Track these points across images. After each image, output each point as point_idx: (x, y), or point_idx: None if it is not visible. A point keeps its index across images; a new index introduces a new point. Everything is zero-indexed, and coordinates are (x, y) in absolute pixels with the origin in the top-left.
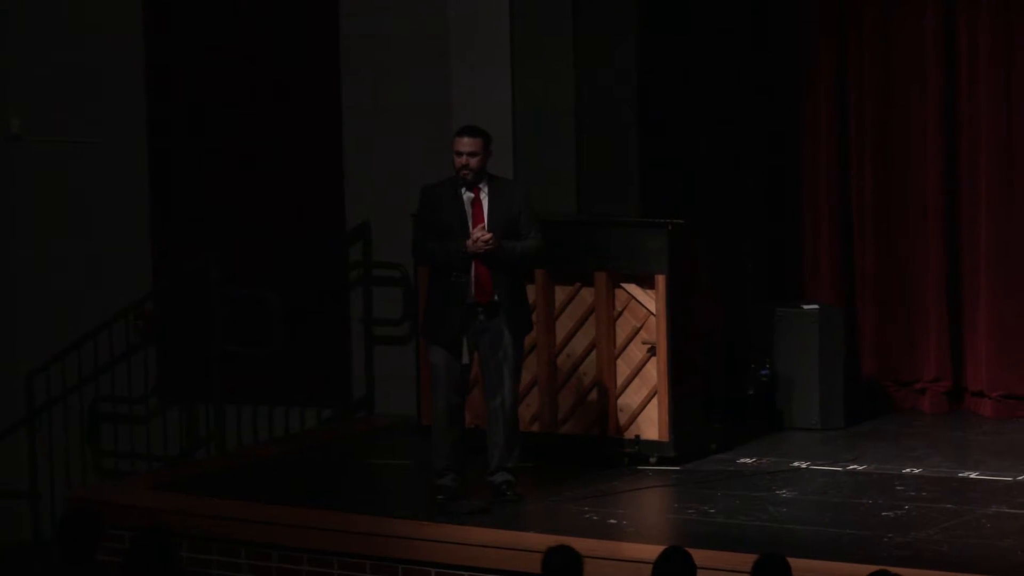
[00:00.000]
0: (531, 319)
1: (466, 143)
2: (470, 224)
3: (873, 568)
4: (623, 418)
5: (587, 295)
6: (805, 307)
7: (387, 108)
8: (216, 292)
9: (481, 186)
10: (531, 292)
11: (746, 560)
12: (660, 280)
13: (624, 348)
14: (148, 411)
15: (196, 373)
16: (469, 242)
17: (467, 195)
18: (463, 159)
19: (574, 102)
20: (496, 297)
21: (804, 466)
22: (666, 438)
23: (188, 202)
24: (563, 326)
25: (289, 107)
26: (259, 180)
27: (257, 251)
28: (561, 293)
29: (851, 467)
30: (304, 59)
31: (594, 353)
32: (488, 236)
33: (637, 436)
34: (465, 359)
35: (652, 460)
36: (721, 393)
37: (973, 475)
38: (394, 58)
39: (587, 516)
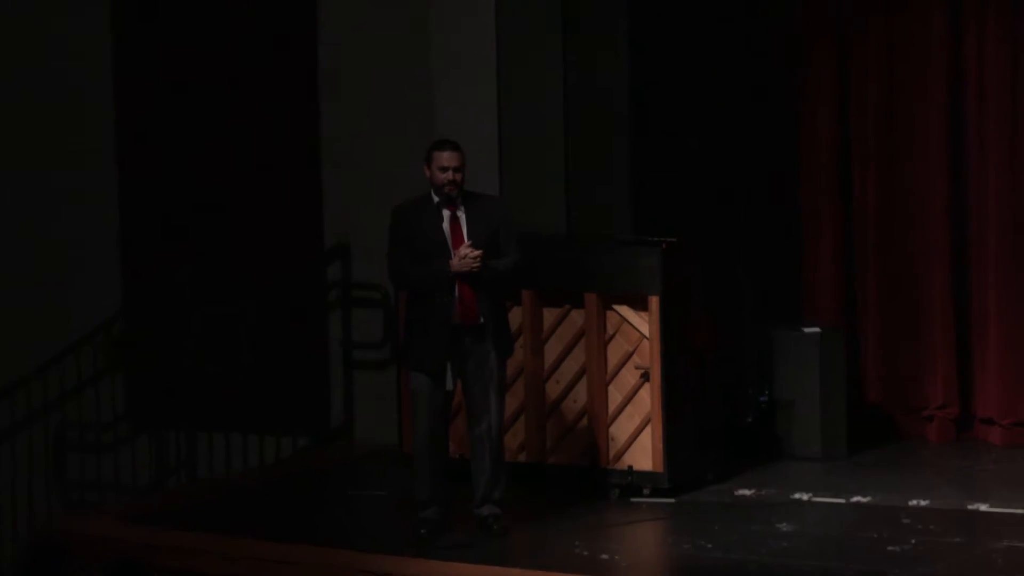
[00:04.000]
0: (513, 342)
1: (451, 158)
2: (450, 244)
3: None
4: (615, 447)
5: (577, 317)
6: (805, 330)
7: (367, 121)
8: (188, 313)
9: (458, 203)
10: (518, 314)
11: None
12: (654, 302)
13: (616, 373)
14: (116, 439)
15: (166, 399)
16: (454, 260)
17: (444, 213)
18: (448, 175)
19: (563, 115)
20: (482, 319)
21: (805, 498)
22: (660, 468)
23: (159, 219)
24: (552, 350)
25: (265, 121)
26: (234, 197)
27: (231, 270)
28: (549, 315)
29: (855, 499)
30: (281, 71)
31: (584, 379)
32: (477, 253)
33: (630, 466)
34: (449, 385)
35: (645, 491)
36: (718, 421)
37: (983, 507)
38: (374, 70)
39: (577, 551)
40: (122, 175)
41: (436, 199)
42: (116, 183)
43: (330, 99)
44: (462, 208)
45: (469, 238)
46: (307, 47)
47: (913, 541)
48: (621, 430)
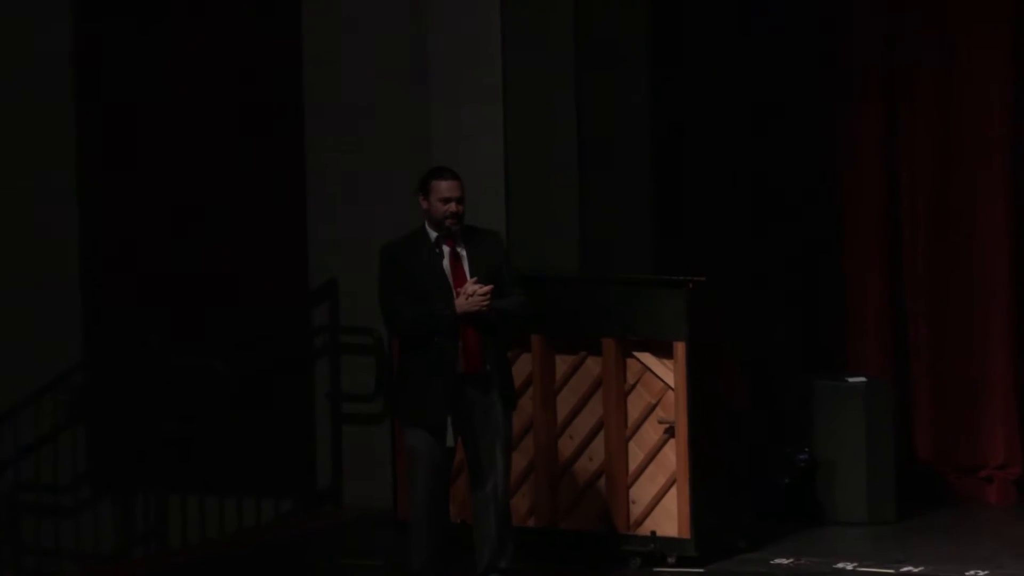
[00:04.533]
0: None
1: (452, 187)
2: (451, 283)
3: None
4: (636, 511)
5: (593, 365)
6: (849, 380)
7: (358, 148)
8: (157, 363)
9: (458, 237)
10: (527, 362)
11: None
12: (679, 348)
13: (637, 428)
14: (77, 501)
15: (133, 458)
16: (460, 300)
17: (444, 249)
18: (451, 206)
19: (577, 142)
20: (487, 367)
21: (849, 567)
22: (687, 534)
23: (126, 258)
24: (565, 402)
25: (245, 146)
26: (208, 231)
27: (205, 314)
28: (562, 363)
29: (904, 568)
30: (264, 96)
31: (601, 434)
32: (486, 289)
33: (652, 532)
34: (449, 441)
35: (670, 560)
36: (751, 481)
37: None
38: (364, 94)
39: None
40: (83, 210)
41: (433, 234)
42: (78, 218)
43: (317, 100)
44: (462, 243)
45: (472, 275)
46: (292, 73)
47: None
48: (643, 492)
